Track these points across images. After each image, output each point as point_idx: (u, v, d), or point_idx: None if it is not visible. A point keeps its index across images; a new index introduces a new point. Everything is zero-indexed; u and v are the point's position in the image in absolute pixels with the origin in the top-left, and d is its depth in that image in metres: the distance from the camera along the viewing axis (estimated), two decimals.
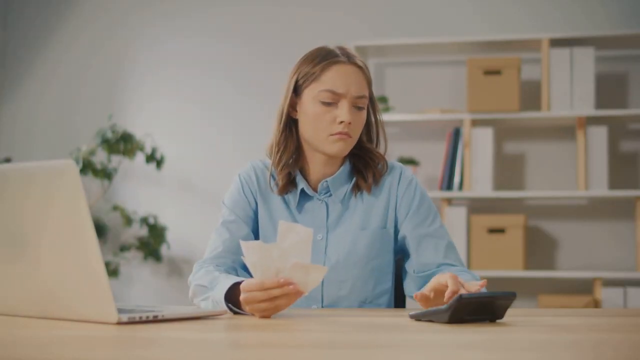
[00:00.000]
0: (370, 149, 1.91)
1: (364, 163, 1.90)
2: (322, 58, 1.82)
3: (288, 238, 1.47)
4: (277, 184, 1.89)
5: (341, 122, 1.79)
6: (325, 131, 1.81)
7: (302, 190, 1.89)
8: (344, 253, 1.86)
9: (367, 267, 1.87)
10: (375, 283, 1.89)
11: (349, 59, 1.83)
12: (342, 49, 1.86)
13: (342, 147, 1.82)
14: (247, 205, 1.90)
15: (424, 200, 1.91)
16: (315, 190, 1.90)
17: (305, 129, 1.84)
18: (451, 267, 1.84)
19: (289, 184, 1.88)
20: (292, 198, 1.89)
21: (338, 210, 1.89)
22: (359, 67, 1.83)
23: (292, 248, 1.47)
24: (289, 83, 1.87)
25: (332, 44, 1.89)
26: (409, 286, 1.90)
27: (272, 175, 1.91)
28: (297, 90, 1.85)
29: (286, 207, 1.90)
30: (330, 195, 1.89)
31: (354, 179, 1.90)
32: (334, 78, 1.80)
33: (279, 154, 1.87)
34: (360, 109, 1.83)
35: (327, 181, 1.88)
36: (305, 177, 1.90)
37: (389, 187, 1.91)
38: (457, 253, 1.90)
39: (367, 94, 1.84)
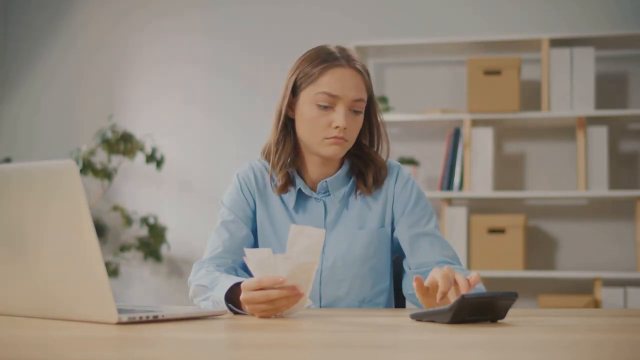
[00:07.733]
0: (370, 154, 1.90)
1: (364, 164, 1.89)
2: (322, 60, 1.80)
3: (298, 242, 1.47)
4: (276, 184, 1.89)
5: (337, 126, 1.78)
6: (321, 134, 1.80)
7: (300, 190, 1.89)
8: (341, 253, 1.86)
9: (365, 266, 1.87)
10: (374, 282, 1.89)
11: (348, 62, 1.81)
12: (342, 50, 1.84)
13: (336, 151, 1.81)
14: (245, 206, 1.90)
15: (420, 199, 1.91)
16: (313, 189, 1.90)
17: (301, 130, 1.84)
18: (449, 264, 1.83)
19: (288, 184, 1.88)
20: (290, 198, 1.89)
21: (336, 210, 1.89)
22: (358, 70, 1.81)
23: (301, 251, 1.46)
24: (287, 82, 1.85)
25: (332, 43, 1.88)
26: (407, 285, 1.90)
27: (271, 176, 1.90)
28: (294, 91, 1.84)
29: (284, 207, 1.90)
30: (329, 195, 1.89)
31: (352, 179, 1.90)
32: (331, 81, 1.78)
33: (277, 154, 1.86)
34: (357, 112, 1.81)
35: (326, 181, 1.88)
36: (303, 176, 1.89)
37: (386, 186, 1.91)
38: (452, 250, 1.89)
39: (364, 97, 1.82)
